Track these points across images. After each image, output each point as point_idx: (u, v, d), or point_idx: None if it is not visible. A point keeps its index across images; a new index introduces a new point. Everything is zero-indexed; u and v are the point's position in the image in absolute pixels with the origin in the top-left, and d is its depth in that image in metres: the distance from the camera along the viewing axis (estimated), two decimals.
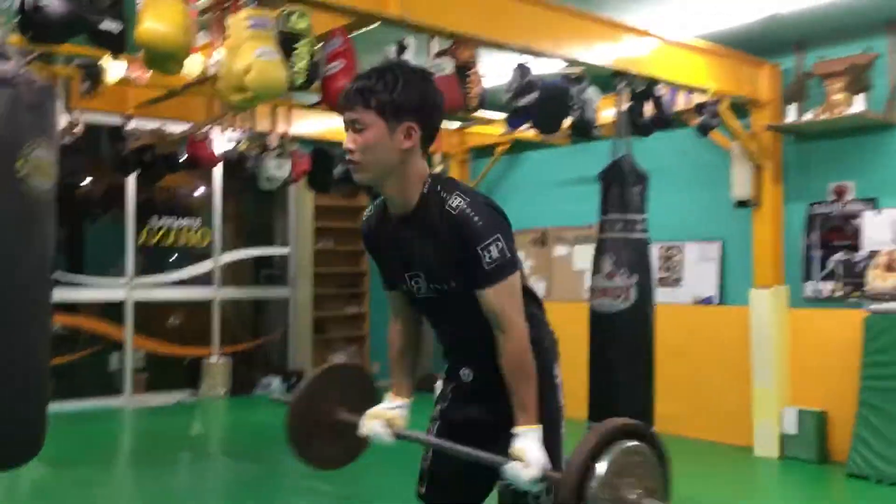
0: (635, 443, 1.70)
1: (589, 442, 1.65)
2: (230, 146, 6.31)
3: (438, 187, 1.94)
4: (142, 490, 4.97)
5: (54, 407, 2.63)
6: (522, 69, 4.23)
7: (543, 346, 2.09)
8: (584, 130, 4.65)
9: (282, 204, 9.36)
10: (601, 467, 1.63)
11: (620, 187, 4.67)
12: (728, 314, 5.96)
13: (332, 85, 3.64)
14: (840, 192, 5.51)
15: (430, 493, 2.18)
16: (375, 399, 2.28)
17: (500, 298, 1.89)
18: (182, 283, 8.56)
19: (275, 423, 7.00)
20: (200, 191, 8.81)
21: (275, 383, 8.84)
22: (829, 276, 5.52)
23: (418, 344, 2.26)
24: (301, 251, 9.14)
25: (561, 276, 7.34)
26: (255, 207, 9.68)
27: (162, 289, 8.40)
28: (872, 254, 5.27)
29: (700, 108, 5.19)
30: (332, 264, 9.20)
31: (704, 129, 5.19)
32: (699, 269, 6.25)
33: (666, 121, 4.90)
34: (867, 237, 5.31)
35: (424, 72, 2.02)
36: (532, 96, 4.21)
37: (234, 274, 9.11)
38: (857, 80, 5.15)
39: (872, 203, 5.35)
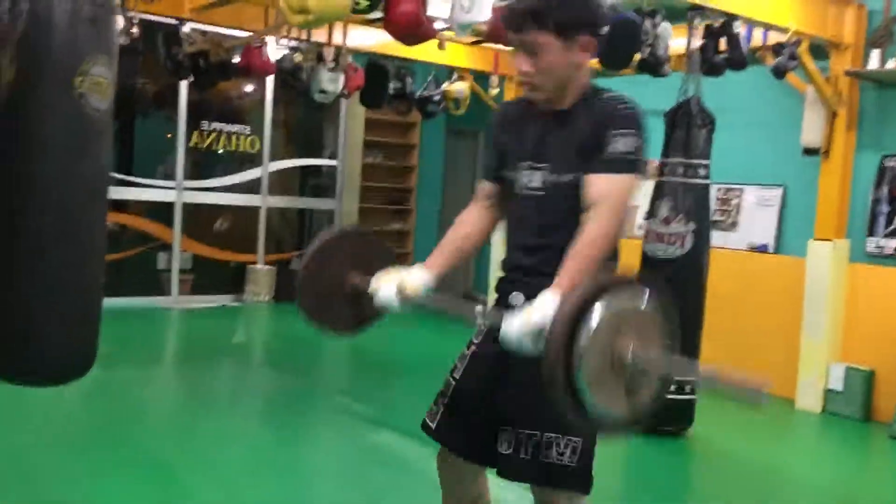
0: (639, 294, 1.58)
1: (586, 287, 1.53)
2: (284, 56, 6.20)
3: (600, 90, 1.93)
4: (181, 392, 5.11)
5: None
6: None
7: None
8: (654, 67, 4.44)
9: (332, 115, 9.25)
10: (597, 315, 1.50)
11: (686, 130, 4.49)
12: (783, 264, 5.79)
13: (395, 8, 3.49)
14: None
15: (440, 431, 2.06)
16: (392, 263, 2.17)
17: (612, 187, 1.79)
18: (230, 188, 8.60)
19: (315, 335, 7.08)
20: (252, 96, 8.72)
21: None
22: (895, 233, 5.31)
23: (481, 240, 2.12)
24: (349, 164, 9.08)
25: None
26: (305, 117, 9.59)
27: (211, 193, 8.44)
28: None
29: (778, 48, 4.92)
30: (380, 179, 9.14)
31: (780, 72, 4.93)
32: (757, 215, 6.06)
33: (741, 61, 4.66)
34: None
35: None
36: (603, 30, 3.99)
37: (281, 183, 9.10)
38: None
39: None
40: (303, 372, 5.92)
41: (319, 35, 6.13)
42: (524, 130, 1.97)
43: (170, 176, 8.07)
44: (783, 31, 4.98)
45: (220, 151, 8.52)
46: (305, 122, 9.66)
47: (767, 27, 5.07)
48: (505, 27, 1.88)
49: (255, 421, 4.62)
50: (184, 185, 8.12)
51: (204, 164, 8.54)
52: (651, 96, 5.97)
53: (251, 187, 8.72)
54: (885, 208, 5.38)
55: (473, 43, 6.34)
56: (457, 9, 3.65)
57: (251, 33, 5.80)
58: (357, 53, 6.61)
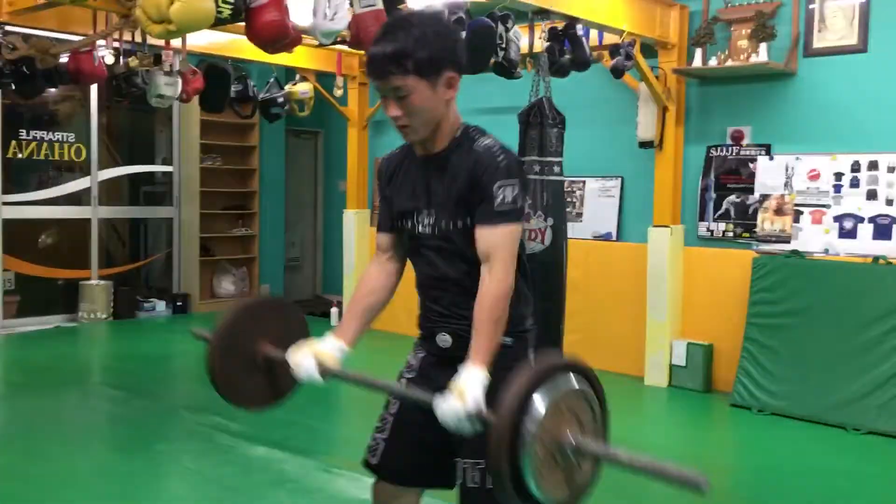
0: (572, 379, 1.64)
1: (524, 378, 1.56)
2: (117, 60, 5.85)
3: (471, 132, 1.95)
4: (22, 429, 4.65)
5: None
6: (451, 6, 4.09)
7: (525, 326, 2.04)
8: (508, 70, 4.59)
9: (164, 119, 8.84)
10: (538, 405, 1.54)
11: (539, 129, 4.68)
12: (627, 250, 6.17)
13: (259, 17, 3.40)
14: (737, 137, 5.74)
15: (382, 467, 2.08)
16: (306, 334, 2.16)
17: (500, 239, 1.85)
18: (56, 200, 8.02)
19: (161, 352, 6.83)
20: (73, 102, 8.17)
21: (159, 306, 8.53)
22: (723, 217, 5.80)
23: (388, 294, 2.14)
24: (186, 169, 8.72)
25: None
26: (134, 122, 9.11)
27: (33, 206, 7.84)
28: (764, 197, 5.56)
29: (615, 48, 5.22)
30: (220, 184, 8.83)
31: (618, 71, 5.23)
32: (599, 205, 6.42)
33: (584, 62, 4.90)
34: (760, 181, 5.58)
35: (434, 14, 1.97)
36: (460, 34, 4.08)
37: (112, 192, 8.60)
38: (763, 27, 5.30)
39: (766, 149, 5.61)
40: (155, 392, 5.65)
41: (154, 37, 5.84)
42: (407, 178, 2.01)
43: None
44: (617, 32, 5.29)
45: (42, 161, 7.93)
46: (134, 127, 9.17)
47: (603, 28, 5.37)
48: (369, 75, 1.88)
49: (115, 453, 4.35)
50: (2, 199, 7.49)
51: (24, 176, 7.92)
52: (496, 93, 6.20)
53: (79, 198, 8.19)
54: (712, 195, 5.85)
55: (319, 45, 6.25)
56: (319, 17, 3.61)
57: (81, 37, 5.42)
58: (190, 54, 6.34)
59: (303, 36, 4.20)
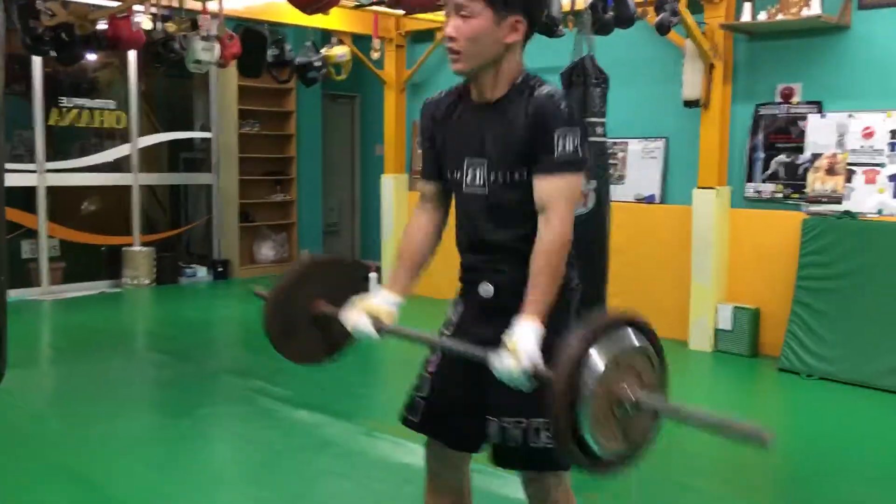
0: (630, 334, 1.60)
1: (582, 334, 1.54)
2: (155, 26, 5.83)
3: (531, 80, 1.88)
4: (75, 393, 4.72)
5: None
6: None
7: (571, 285, 1.96)
8: (550, 28, 4.46)
9: (202, 85, 8.84)
10: (596, 361, 1.52)
11: (583, 88, 4.55)
12: (670, 213, 6.05)
13: None
14: (787, 95, 5.55)
15: (425, 425, 2.04)
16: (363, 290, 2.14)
17: (559, 189, 1.80)
18: (97, 168, 8.09)
19: (203, 317, 6.87)
20: (112, 68, 8.19)
21: (200, 272, 8.61)
22: (772, 178, 5.63)
23: (435, 244, 2.10)
24: (224, 135, 8.72)
25: None
26: (172, 89, 9.13)
27: (76, 174, 7.92)
28: (815, 157, 5.38)
29: (660, 4, 5.05)
30: (258, 149, 8.83)
31: (664, 28, 5.07)
32: (642, 167, 6.28)
33: (629, 18, 4.75)
34: (811, 140, 5.40)
35: None
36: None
37: (151, 159, 8.65)
38: None
39: (818, 106, 5.42)
40: (199, 357, 5.70)
41: (191, 2, 5.80)
42: (459, 125, 1.94)
43: (29, 157, 7.49)
44: None
45: (84, 128, 7.98)
46: (173, 93, 9.19)
47: None
48: None
49: (161, 416, 4.41)
50: (46, 166, 7.57)
51: (66, 144, 7.99)
52: (540, 54, 6.05)
53: (120, 165, 8.25)
54: (760, 155, 5.68)
55: (356, 7, 6.17)
56: None
57: (118, 3, 5.40)
58: (227, 19, 6.29)
59: None
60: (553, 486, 1.96)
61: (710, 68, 5.60)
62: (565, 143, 1.78)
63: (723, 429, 1.44)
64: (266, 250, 9.00)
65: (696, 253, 5.72)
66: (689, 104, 5.70)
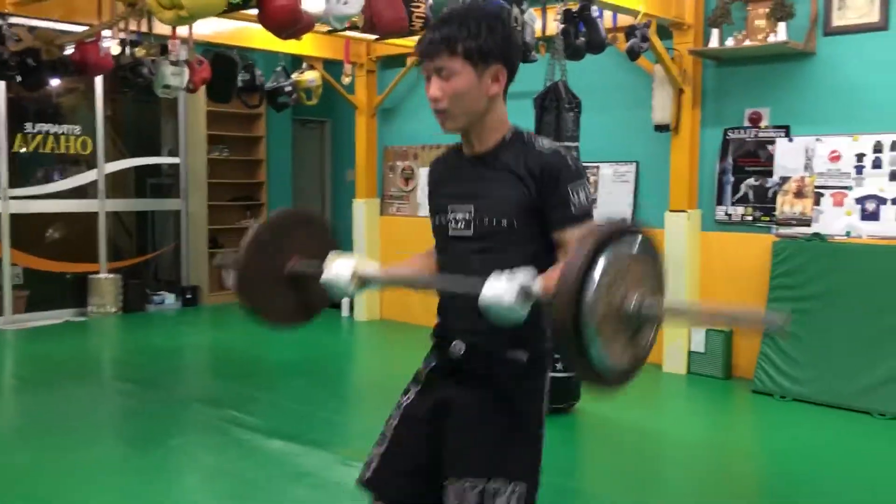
0: (626, 241, 1.56)
1: (583, 248, 1.48)
2: (124, 50, 5.76)
3: (524, 134, 1.89)
4: (35, 424, 4.59)
5: None
6: None
7: (545, 345, 1.90)
8: (524, 54, 4.48)
9: (169, 110, 8.76)
10: (598, 272, 1.46)
11: (556, 113, 4.58)
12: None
13: (271, 3, 3.30)
14: (755, 119, 5.63)
15: (375, 482, 1.95)
16: (335, 245, 2.12)
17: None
18: (62, 194, 7.95)
19: (172, 345, 6.76)
20: (77, 93, 8.08)
21: (169, 299, 8.47)
22: (741, 201, 5.70)
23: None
24: (193, 160, 8.63)
25: None
26: (139, 114, 9.02)
27: (40, 200, 7.77)
28: (783, 180, 5.46)
29: (630, 30, 5.11)
30: (227, 175, 8.75)
31: (634, 53, 5.13)
32: (614, 191, 6.32)
33: (600, 44, 4.80)
34: (779, 164, 5.48)
35: (500, 11, 1.89)
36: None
37: (118, 184, 8.53)
38: (781, 6, 5.19)
39: (786, 130, 5.50)
40: (168, 385, 5.57)
41: (161, 26, 5.75)
42: (453, 175, 1.95)
43: None
44: (632, 13, 5.19)
45: (48, 154, 7.85)
46: (140, 118, 9.08)
47: (617, 10, 5.26)
48: (419, 56, 1.86)
49: (130, 447, 4.28)
50: (9, 193, 7.43)
51: (30, 170, 7.85)
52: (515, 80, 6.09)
53: (86, 191, 8.11)
54: (730, 178, 5.75)
55: (329, 32, 6.15)
56: (332, 1, 3.51)
57: (86, 27, 5.33)
58: (196, 44, 6.25)
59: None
60: None
61: (679, 93, 5.67)
62: (579, 196, 1.81)
63: (732, 320, 1.40)
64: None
65: (669, 276, 5.74)
66: (660, 128, 5.76)
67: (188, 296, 8.53)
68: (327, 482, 3.67)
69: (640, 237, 1.62)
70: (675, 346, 5.77)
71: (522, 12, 4.31)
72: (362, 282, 1.92)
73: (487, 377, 1.86)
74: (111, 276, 8.04)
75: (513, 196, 1.82)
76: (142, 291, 8.34)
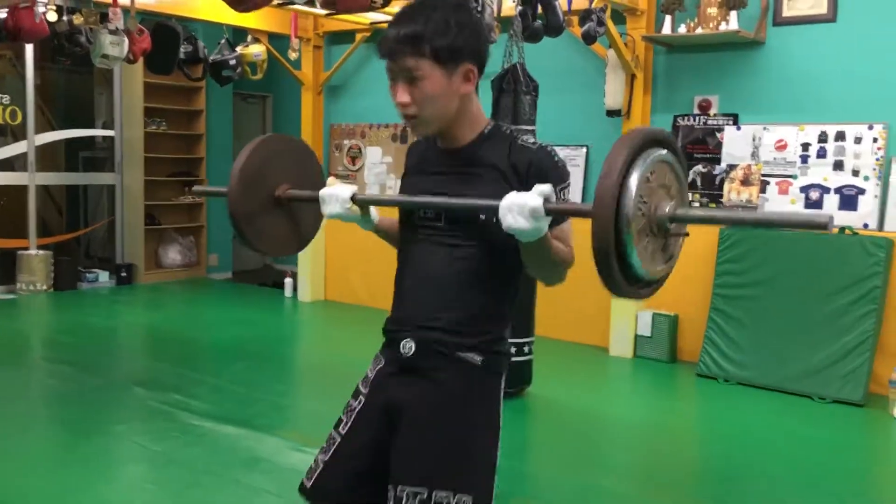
0: (659, 150, 1.53)
1: (619, 155, 1.47)
2: (55, 16, 5.49)
3: (505, 127, 1.80)
4: None
5: None
6: None
7: (502, 348, 1.84)
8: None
9: (104, 80, 8.41)
10: (634, 181, 1.46)
11: (513, 96, 4.54)
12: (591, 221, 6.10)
13: None
14: (704, 107, 5.70)
15: (315, 491, 1.87)
16: (321, 176, 2.10)
17: (568, 233, 1.77)
18: None
19: (107, 325, 6.52)
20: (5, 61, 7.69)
21: (102, 277, 8.18)
22: (690, 187, 5.76)
23: None
24: (129, 134, 8.33)
25: None
26: (71, 84, 8.65)
27: None
28: (730, 167, 5.54)
29: (587, 14, 5.10)
30: (165, 149, 8.47)
31: (590, 37, 5.12)
32: None
33: (558, 27, 4.77)
34: (727, 151, 5.56)
35: (462, 4, 1.76)
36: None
37: (48, 157, 8.17)
38: None
39: (734, 118, 5.58)
40: (105, 368, 5.38)
41: None
42: (431, 165, 1.85)
43: None
44: None
45: None
46: (72, 89, 8.71)
47: None
48: (381, 55, 1.73)
49: (70, 435, 4.08)
50: None
51: None
52: None
53: (14, 164, 7.75)
54: None
55: (281, 5, 5.97)
56: None
57: None
58: (144, 13, 6.00)
59: None
60: None
61: (631, 79, 5.69)
62: (566, 196, 1.75)
63: (769, 222, 1.43)
64: (173, 254, 8.64)
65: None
66: (611, 113, 5.78)
67: (123, 273, 8.26)
68: (282, 468, 3.58)
69: (668, 145, 1.59)
70: (622, 330, 5.83)
71: None
72: (361, 205, 1.89)
73: (439, 379, 1.76)
74: (41, 252, 7.72)
75: (492, 192, 1.70)
76: (74, 269, 8.04)
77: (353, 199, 1.87)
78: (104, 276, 8.20)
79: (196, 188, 2.22)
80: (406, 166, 1.95)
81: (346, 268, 7.36)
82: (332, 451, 1.87)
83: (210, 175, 8.77)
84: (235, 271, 9.23)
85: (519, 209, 1.55)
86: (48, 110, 8.29)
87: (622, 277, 1.50)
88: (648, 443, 4.29)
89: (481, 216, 1.74)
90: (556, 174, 1.72)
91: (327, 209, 1.89)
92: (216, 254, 8.97)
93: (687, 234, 1.65)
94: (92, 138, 8.60)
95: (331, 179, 1.95)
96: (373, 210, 1.95)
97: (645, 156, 1.51)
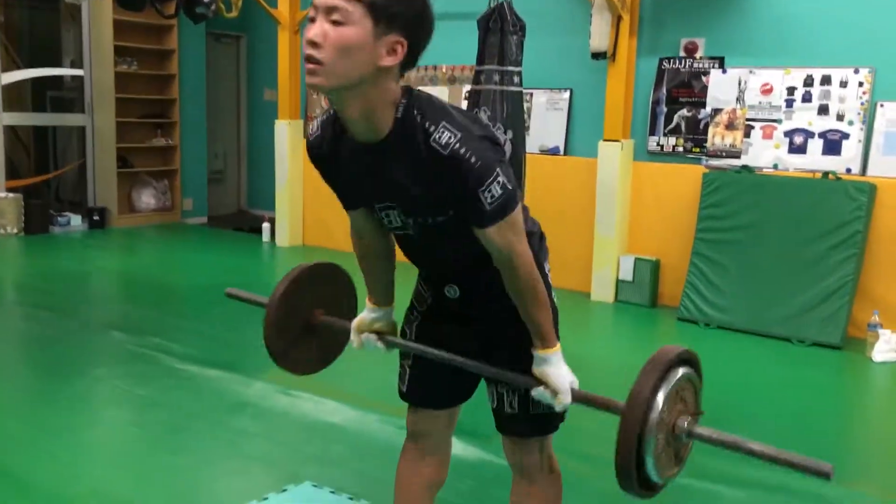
0: (686, 370, 1.65)
1: (651, 374, 1.60)
2: None
3: (416, 112, 1.59)
4: None
5: None
6: None
7: (533, 241, 1.83)
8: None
9: (71, 17, 8.12)
10: (660, 398, 1.58)
11: (500, 36, 4.45)
12: (574, 165, 6.07)
13: None
14: (690, 50, 5.64)
15: (412, 394, 2.00)
16: (353, 296, 2.17)
17: (505, 234, 1.64)
18: None
19: (81, 269, 6.43)
20: None
21: (75, 221, 8.02)
22: (673, 132, 5.74)
23: (389, 254, 1.97)
24: (99, 73, 8.08)
25: None
26: (36, 20, 8.34)
27: None
28: (715, 112, 5.51)
29: None
30: (137, 90, 8.24)
31: None
32: (547, 119, 6.26)
33: None
34: (712, 95, 5.52)
35: None
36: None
37: (13, 97, 7.92)
38: None
39: (720, 62, 5.53)
40: (81, 312, 5.31)
41: None
42: (350, 165, 1.72)
43: None
44: None
45: None
46: (37, 26, 8.41)
47: None
48: None
49: (51, 378, 4.00)
50: None
51: None
52: (455, 0, 5.88)
53: None
54: (663, 109, 5.77)
55: None
56: None
57: None
58: None
59: None
60: (544, 447, 1.94)
61: (618, 20, 5.60)
62: (493, 193, 1.58)
63: (781, 461, 1.51)
64: (146, 198, 8.48)
65: (600, 205, 5.78)
66: (597, 56, 5.70)
67: (95, 217, 8.10)
68: (270, 412, 3.56)
69: (693, 365, 1.68)
70: (604, 275, 5.84)
71: None
72: (390, 345, 1.94)
73: (487, 310, 1.85)
74: (11, 195, 7.53)
75: (432, 195, 1.63)
76: (45, 212, 7.86)
77: (383, 340, 1.94)
78: (76, 220, 8.03)
79: (231, 292, 2.34)
80: (321, 165, 1.79)
81: (324, 212, 7.27)
82: (411, 357, 1.98)
83: (183, 118, 8.57)
84: (211, 216, 9.10)
85: (549, 395, 1.71)
86: (13, 48, 8.00)
87: (637, 484, 1.59)
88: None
89: (439, 218, 1.69)
90: (475, 176, 1.56)
91: (356, 343, 1.97)
92: (191, 198, 8.82)
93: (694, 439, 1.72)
94: (60, 78, 8.34)
95: (358, 326, 1.98)
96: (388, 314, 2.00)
97: (672, 375, 1.61)
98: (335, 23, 1.50)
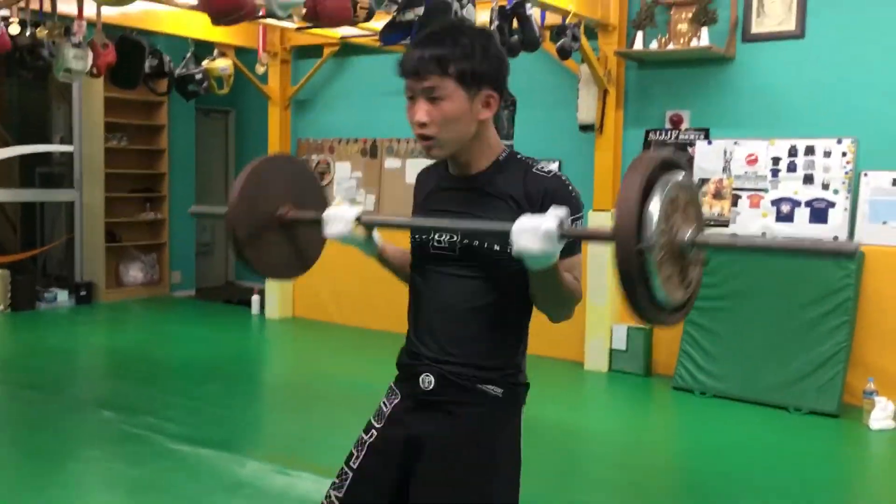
0: (675, 173, 1.51)
1: (634, 181, 1.44)
2: (18, 30, 5.33)
3: (520, 156, 1.79)
4: None
5: None
6: None
7: (520, 379, 1.84)
8: None
9: (61, 95, 8.20)
10: (655, 204, 1.43)
11: None
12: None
13: None
14: (676, 121, 5.76)
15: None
16: (322, 198, 2.02)
17: (576, 264, 1.73)
18: None
19: (68, 346, 6.36)
20: None
21: (61, 296, 7.95)
22: None
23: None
24: (89, 149, 8.12)
25: (392, 190, 7.13)
26: (26, 97, 8.40)
27: None
28: (702, 181, 5.60)
29: (561, 30, 5.11)
30: (126, 165, 8.28)
31: (565, 52, 5.13)
32: None
33: (534, 42, 4.77)
34: (699, 166, 5.62)
35: (487, 31, 1.78)
36: (417, 10, 3.88)
37: (2, 173, 7.93)
38: (704, 12, 5.31)
39: (705, 133, 5.65)
40: (69, 390, 5.22)
41: (64, 5, 5.36)
42: (443, 193, 1.83)
43: None
44: (561, 12, 5.19)
45: None
46: (27, 103, 8.47)
47: (547, 8, 5.25)
48: (402, 73, 1.72)
49: (40, 462, 3.91)
50: None
51: None
52: None
53: None
54: None
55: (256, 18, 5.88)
56: None
57: None
58: (107, 27, 5.86)
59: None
60: None
61: (604, 94, 5.73)
62: (579, 227, 1.71)
63: (795, 249, 1.45)
64: (134, 272, 8.44)
65: (592, 274, 5.81)
66: (584, 128, 5.81)
67: (82, 293, 8.04)
68: (267, 493, 3.49)
69: (682, 169, 1.56)
70: (597, 344, 5.84)
71: (462, 6, 4.23)
72: (366, 226, 1.82)
73: (460, 412, 1.75)
74: None
75: (505, 217, 1.66)
76: (31, 288, 7.79)
77: (359, 219, 1.80)
78: (63, 296, 7.96)
79: (194, 208, 2.14)
80: (417, 194, 1.91)
81: (315, 284, 7.25)
82: (345, 488, 1.84)
83: (172, 192, 8.60)
84: (199, 288, 9.05)
85: (533, 231, 1.50)
86: (2, 126, 8.05)
87: (648, 302, 1.47)
88: (625, 457, 4.28)
89: (495, 246, 1.71)
90: (570, 204, 1.67)
91: (330, 230, 1.81)
92: (179, 271, 8.79)
93: (707, 262, 1.62)
94: (49, 154, 8.37)
95: (337, 200, 1.93)
96: (376, 236, 1.89)
97: (664, 181, 1.48)
98: (433, 99, 1.68)
